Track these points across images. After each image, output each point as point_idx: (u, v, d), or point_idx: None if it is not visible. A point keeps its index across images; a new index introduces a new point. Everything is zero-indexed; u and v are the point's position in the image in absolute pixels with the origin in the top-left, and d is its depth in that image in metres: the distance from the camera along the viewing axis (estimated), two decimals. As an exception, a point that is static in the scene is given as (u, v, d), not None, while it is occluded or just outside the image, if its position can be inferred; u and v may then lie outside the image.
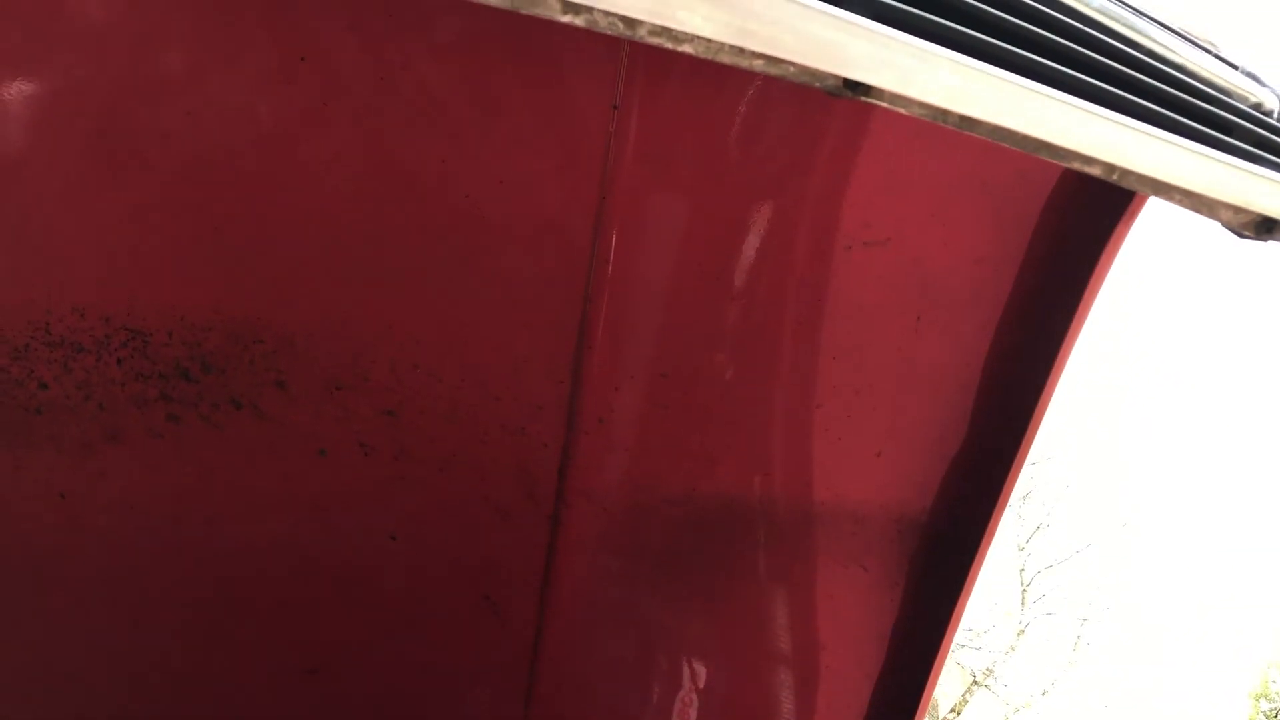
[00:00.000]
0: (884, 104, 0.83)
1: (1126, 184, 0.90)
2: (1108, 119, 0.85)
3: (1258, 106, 0.99)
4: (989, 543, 1.74)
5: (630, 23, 0.77)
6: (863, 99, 0.82)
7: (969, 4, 0.82)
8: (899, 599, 1.88)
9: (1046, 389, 1.56)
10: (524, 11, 0.75)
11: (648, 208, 1.48)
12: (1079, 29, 0.91)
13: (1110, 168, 0.87)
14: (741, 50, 0.80)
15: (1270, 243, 0.90)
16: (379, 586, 1.83)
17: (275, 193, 1.45)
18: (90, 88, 1.36)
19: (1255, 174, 0.86)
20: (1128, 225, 1.39)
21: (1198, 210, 0.92)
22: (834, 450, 1.72)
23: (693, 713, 1.97)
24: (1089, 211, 1.42)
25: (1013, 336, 1.56)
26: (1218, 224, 0.91)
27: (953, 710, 13.88)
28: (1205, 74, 1.01)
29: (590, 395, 1.64)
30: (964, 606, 1.82)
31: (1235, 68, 1.02)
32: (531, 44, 1.35)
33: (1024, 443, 1.62)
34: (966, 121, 0.84)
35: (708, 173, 1.45)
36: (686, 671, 1.99)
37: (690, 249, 1.52)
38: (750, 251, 1.50)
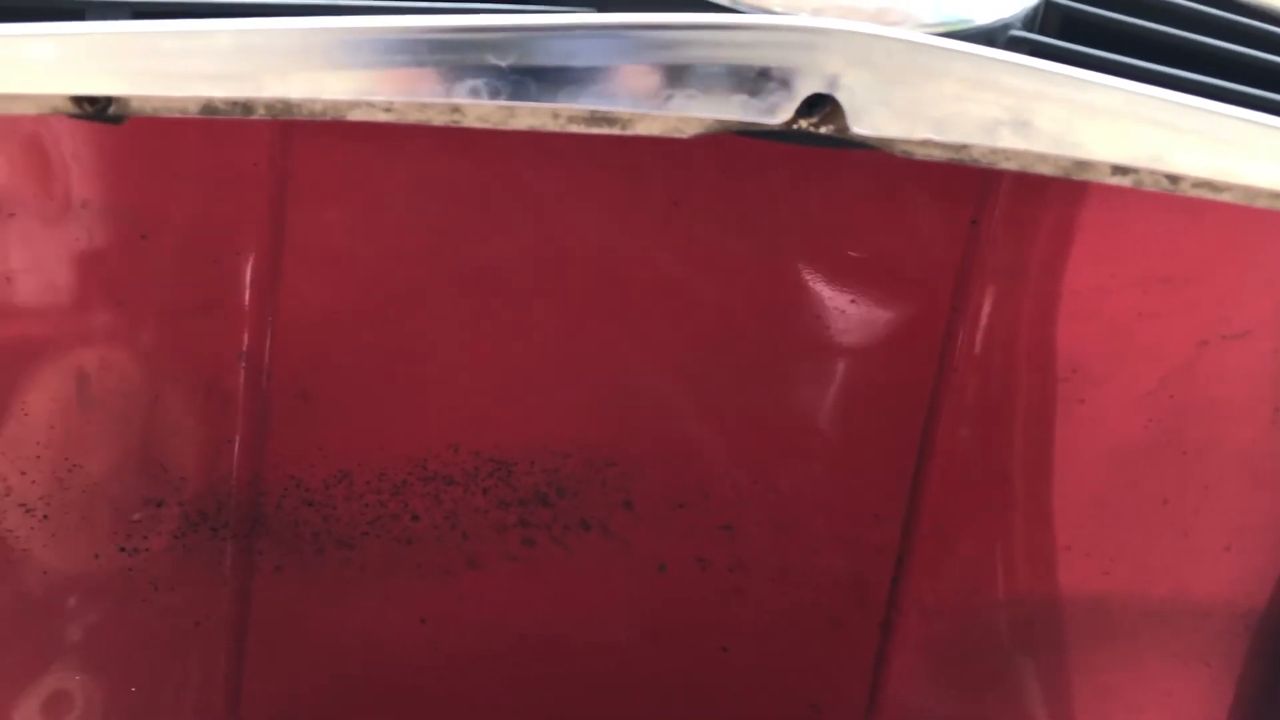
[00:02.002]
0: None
1: None
2: None
3: None
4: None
5: (1175, 179, 0.79)
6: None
7: None
8: (1244, 696, 1.80)
9: None
10: (1075, 178, 0.78)
11: (1000, 317, 1.50)
12: None
13: None
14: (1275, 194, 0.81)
15: None
16: (710, 698, 1.85)
17: (635, 328, 1.53)
18: (465, 238, 1.46)
19: None
20: None
21: None
22: (1179, 546, 1.67)
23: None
24: None
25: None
26: None
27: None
28: None
29: (929, 502, 1.65)
30: (1324, 704, 1.73)
31: None
32: (891, 166, 1.39)
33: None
34: None
35: (1064, 280, 1.47)
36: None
37: (1042, 353, 1.52)
38: (1105, 354, 1.50)
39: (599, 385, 1.57)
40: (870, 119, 0.73)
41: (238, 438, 1.51)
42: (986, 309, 1.48)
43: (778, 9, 0.76)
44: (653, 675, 1.82)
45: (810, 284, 1.48)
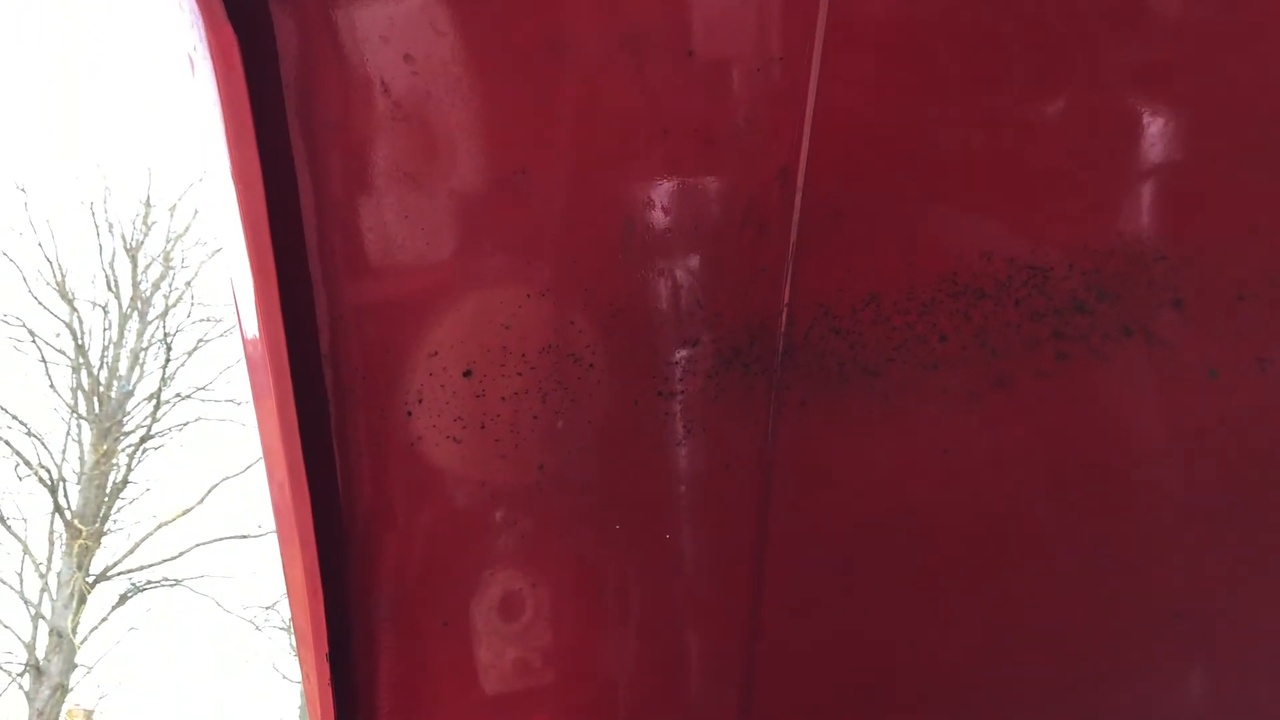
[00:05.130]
0: None
1: None
2: None
3: None
4: None
5: None
6: None
7: None
8: None
9: None
10: None
11: None
12: None
13: None
14: None
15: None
16: (1268, 516, 1.67)
17: (1191, 97, 1.36)
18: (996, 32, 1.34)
19: None
20: None
21: None
22: None
23: None
24: None
25: None
26: None
27: None
28: None
29: None
30: None
31: None
32: None
33: None
34: None
35: None
36: None
37: None
38: None
39: (1146, 169, 1.42)
40: None
41: (772, 265, 1.48)
42: None
43: None
44: (1197, 494, 1.67)
45: None
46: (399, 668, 1.81)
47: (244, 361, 1.65)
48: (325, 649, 1.67)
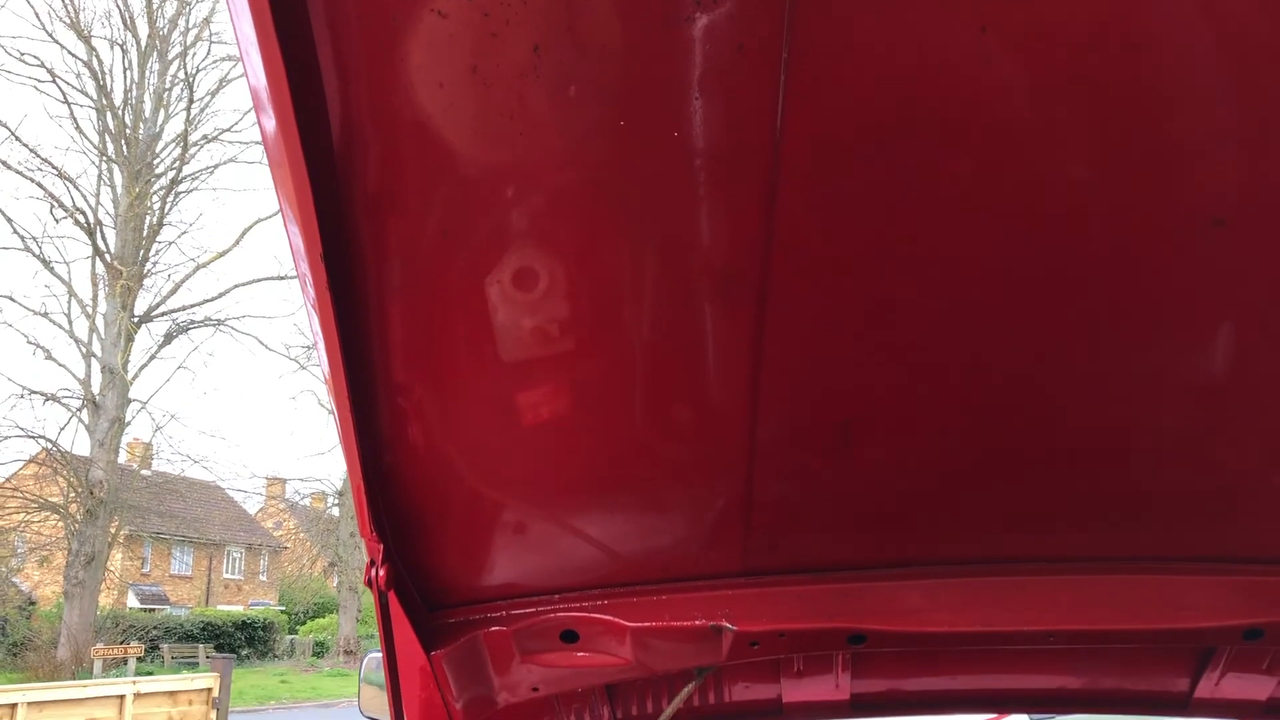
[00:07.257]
0: None
1: None
2: None
3: None
4: None
5: None
6: None
7: None
8: None
9: None
10: None
11: None
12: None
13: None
14: None
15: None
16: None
17: None
18: None
19: None
20: None
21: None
22: None
23: None
24: None
25: None
26: None
27: None
28: None
29: None
30: None
31: None
32: None
33: None
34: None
35: None
36: None
37: None
38: None
39: None
40: None
41: None
42: None
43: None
44: (1249, 78, 1.51)
45: None
46: (398, 282, 1.76)
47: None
48: (319, 249, 1.61)
